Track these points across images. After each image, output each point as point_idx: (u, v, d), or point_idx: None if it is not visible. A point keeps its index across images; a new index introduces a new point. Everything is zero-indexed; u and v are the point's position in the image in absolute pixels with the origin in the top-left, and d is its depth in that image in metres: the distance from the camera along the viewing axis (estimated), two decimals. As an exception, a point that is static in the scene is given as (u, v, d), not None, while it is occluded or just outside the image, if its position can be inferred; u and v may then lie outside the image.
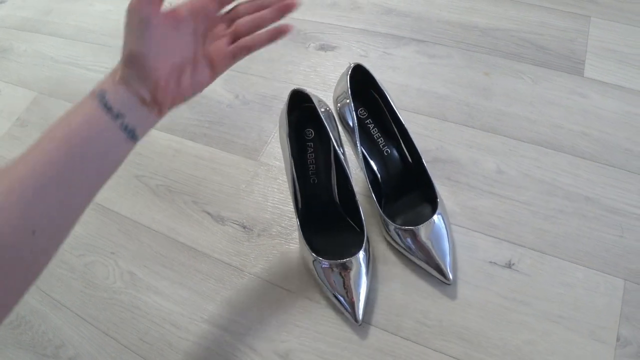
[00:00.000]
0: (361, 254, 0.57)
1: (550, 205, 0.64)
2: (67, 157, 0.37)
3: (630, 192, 0.63)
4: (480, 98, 0.76)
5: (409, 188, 0.65)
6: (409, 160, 0.66)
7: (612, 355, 0.53)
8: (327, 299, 0.61)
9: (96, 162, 0.39)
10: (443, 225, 0.59)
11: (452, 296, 0.59)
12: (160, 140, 0.84)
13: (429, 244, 0.58)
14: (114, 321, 0.66)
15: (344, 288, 0.57)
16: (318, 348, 0.58)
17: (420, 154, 0.63)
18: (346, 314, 0.58)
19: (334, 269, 0.57)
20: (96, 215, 0.77)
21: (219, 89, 0.89)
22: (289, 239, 0.67)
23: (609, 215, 0.62)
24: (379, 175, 0.66)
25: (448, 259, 0.58)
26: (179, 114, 0.87)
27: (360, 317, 0.56)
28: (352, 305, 0.56)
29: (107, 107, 0.38)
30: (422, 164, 0.63)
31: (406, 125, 0.64)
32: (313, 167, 0.65)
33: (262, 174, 0.75)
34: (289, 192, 0.71)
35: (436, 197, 0.60)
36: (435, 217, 0.58)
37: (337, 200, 0.65)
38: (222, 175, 0.76)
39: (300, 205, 0.63)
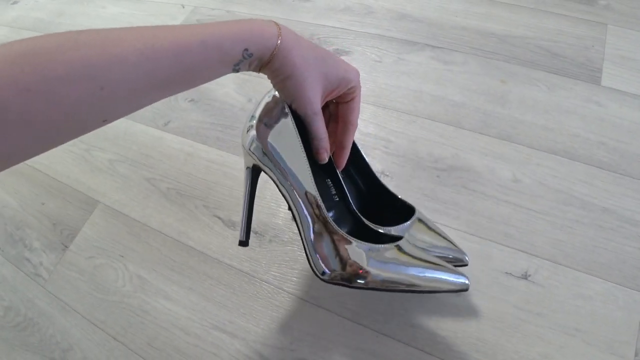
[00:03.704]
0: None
1: (567, 215, 0.63)
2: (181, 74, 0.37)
3: (649, 204, 0.62)
4: (496, 105, 0.75)
5: (379, 211, 0.61)
6: (362, 187, 0.62)
7: (632, 370, 0.52)
8: (343, 307, 0.60)
9: (195, 83, 0.41)
10: (429, 222, 0.58)
11: (467, 307, 0.58)
12: (172, 143, 0.84)
13: (426, 238, 0.56)
14: (123, 325, 0.66)
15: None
16: (329, 357, 0.57)
17: (376, 173, 0.60)
18: None
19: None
20: (106, 218, 0.77)
21: (232, 92, 0.88)
22: (301, 246, 0.66)
23: (626, 227, 0.61)
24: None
25: (451, 243, 0.57)
26: (191, 118, 0.87)
27: None
28: None
29: (235, 70, 0.41)
30: (380, 184, 0.60)
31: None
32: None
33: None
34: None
35: (407, 204, 0.59)
36: (417, 218, 0.57)
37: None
38: (233, 180, 0.76)
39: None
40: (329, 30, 0.94)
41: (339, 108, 0.51)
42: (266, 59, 0.41)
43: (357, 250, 0.49)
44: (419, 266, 0.50)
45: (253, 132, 0.50)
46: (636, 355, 0.52)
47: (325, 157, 0.50)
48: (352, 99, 0.49)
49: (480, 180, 0.68)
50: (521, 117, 0.73)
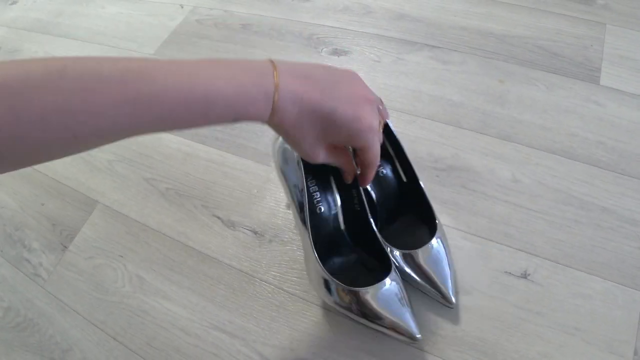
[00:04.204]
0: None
1: (566, 215, 0.63)
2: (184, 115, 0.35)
3: (648, 203, 0.62)
4: (495, 105, 0.75)
5: (405, 210, 0.63)
6: (404, 181, 0.64)
7: (630, 369, 0.52)
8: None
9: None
10: (442, 248, 0.57)
11: (467, 307, 0.58)
12: (170, 143, 0.84)
13: (428, 268, 0.55)
14: (122, 325, 0.65)
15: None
16: (329, 357, 0.57)
17: (417, 174, 0.60)
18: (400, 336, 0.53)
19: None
20: (105, 218, 0.77)
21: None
22: (301, 246, 0.66)
23: (625, 226, 0.61)
24: (374, 197, 0.63)
25: (449, 282, 0.55)
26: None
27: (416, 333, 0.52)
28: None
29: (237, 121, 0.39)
30: (419, 184, 0.60)
31: (403, 144, 0.61)
32: (317, 194, 0.61)
33: (274, 179, 0.74)
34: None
35: (435, 219, 0.58)
36: (434, 241, 0.56)
37: (344, 229, 0.62)
38: (233, 180, 0.76)
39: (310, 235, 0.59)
40: (327, 30, 0.94)
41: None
42: (260, 122, 0.40)
43: (339, 288, 0.54)
44: (390, 308, 0.52)
45: (280, 141, 0.57)
46: (635, 354, 0.52)
47: (349, 180, 0.54)
48: (364, 154, 0.47)
49: (480, 180, 0.68)
50: (520, 117, 0.73)
